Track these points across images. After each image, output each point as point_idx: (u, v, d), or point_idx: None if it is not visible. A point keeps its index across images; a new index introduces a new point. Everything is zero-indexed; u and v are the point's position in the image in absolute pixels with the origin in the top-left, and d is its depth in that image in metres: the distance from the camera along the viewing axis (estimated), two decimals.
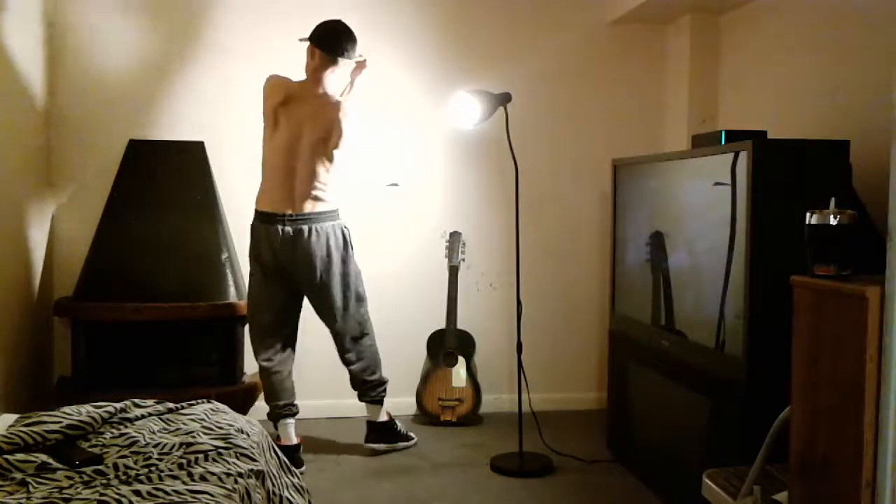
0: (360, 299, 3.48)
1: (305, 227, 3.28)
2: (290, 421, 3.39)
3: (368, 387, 3.52)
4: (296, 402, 3.44)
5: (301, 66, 3.38)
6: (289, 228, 3.27)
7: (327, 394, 4.01)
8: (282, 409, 3.37)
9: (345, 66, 3.39)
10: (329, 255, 3.32)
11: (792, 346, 1.90)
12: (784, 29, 3.42)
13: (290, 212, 3.27)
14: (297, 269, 3.32)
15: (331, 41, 3.31)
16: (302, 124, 3.30)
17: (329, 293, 3.36)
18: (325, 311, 3.43)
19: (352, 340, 3.47)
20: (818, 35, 3.18)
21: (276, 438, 3.31)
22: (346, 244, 3.38)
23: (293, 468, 2.40)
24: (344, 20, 3.33)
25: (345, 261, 3.38)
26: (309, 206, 3.29)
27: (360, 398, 3.56)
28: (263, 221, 3.32)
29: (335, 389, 3.92)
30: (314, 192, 3.29)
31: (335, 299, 3.38)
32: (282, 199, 3.29)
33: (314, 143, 3.29)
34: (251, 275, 3.43)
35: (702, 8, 3.90)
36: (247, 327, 3.56)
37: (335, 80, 3.39)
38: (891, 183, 1.53)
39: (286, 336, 3.44)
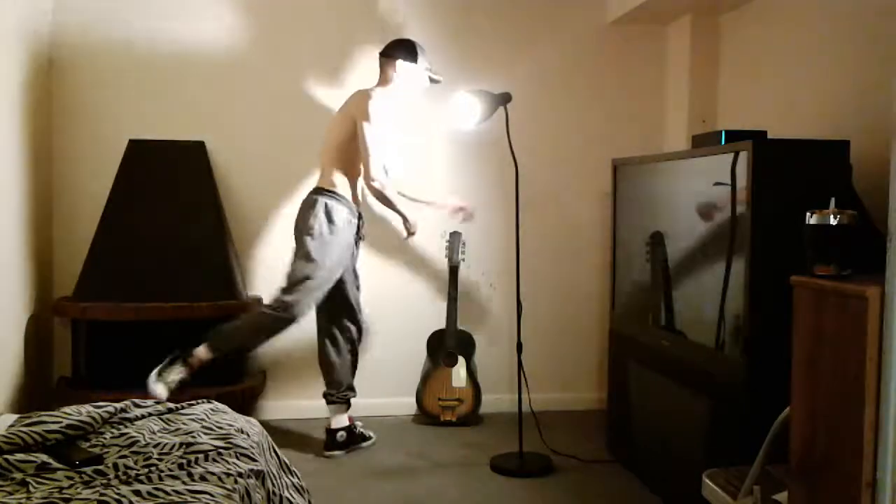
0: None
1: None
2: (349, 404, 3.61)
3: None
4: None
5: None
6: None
7: None
8: (347, 392, 3.58)
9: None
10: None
11: (792, 346, 1.90)
12: (783, 29, 3.42)
13: None
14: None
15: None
16: None
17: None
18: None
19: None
20: (818, 35, 3.17)
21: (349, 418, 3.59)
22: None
23: (293, 468, 2.40)
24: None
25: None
26: None
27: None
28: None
29: None
30: None
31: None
32: None
33: None
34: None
35: (702, 8, 3.90)
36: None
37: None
38: (891, 183, 1.53)
39: None
